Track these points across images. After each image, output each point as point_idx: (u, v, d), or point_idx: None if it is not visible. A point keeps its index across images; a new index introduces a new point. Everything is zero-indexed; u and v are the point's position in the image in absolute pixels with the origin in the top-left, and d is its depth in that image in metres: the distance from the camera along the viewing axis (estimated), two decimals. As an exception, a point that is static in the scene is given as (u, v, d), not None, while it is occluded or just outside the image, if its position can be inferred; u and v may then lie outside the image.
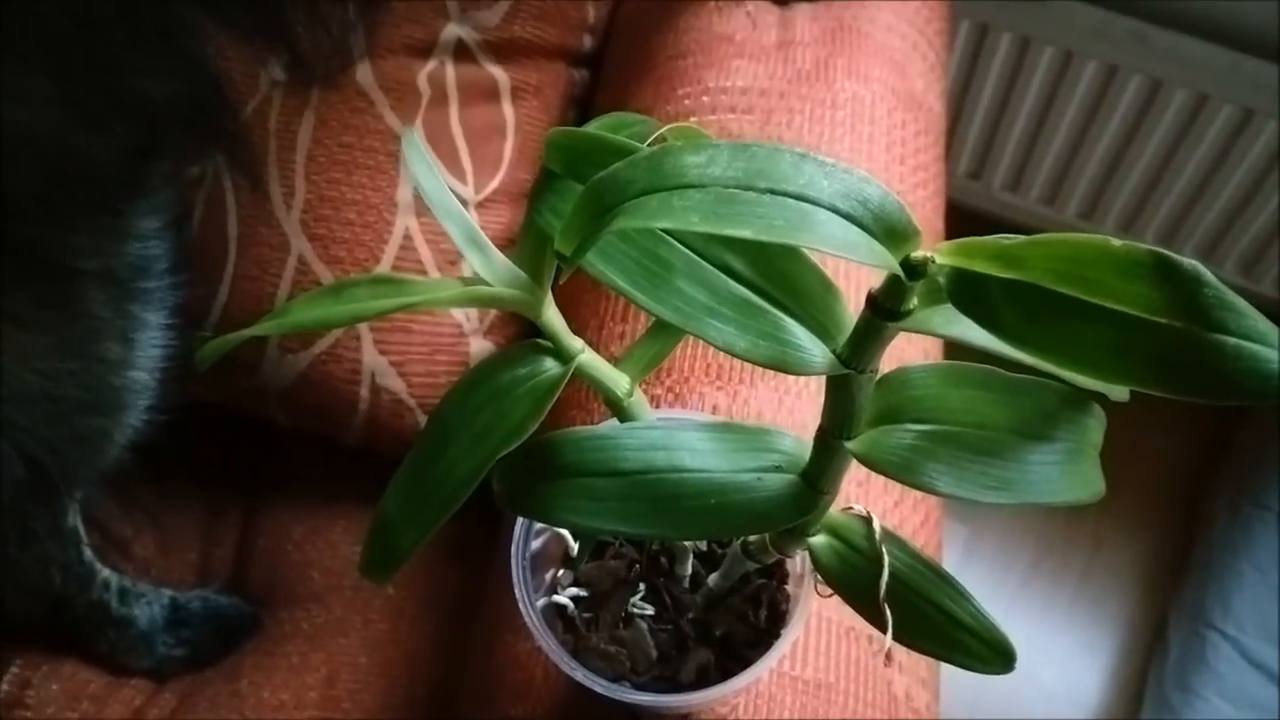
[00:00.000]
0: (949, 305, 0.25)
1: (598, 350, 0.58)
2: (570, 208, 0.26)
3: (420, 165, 0.30)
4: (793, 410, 0.55)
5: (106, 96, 0.37)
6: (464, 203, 0.68)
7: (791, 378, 0.54)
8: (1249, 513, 1.01)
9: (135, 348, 0.47)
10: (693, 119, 0.65)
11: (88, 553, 0.61)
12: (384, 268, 0.65)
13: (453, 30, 0.68)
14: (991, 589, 1.14)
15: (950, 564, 1.14)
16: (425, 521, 0.31)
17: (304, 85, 0.56)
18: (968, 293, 0.24)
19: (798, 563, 0.39)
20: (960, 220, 0.87)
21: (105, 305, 0.44)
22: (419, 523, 0.31)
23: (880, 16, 0.70)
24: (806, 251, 0.29)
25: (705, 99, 0.66)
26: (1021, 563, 1.15)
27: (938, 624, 0.33)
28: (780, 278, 0.29)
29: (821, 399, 0.29)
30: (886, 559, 0.33)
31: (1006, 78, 1.05)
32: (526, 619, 0.36)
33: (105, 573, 0.63)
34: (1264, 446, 1.07)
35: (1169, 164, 1.05)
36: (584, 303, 0.61)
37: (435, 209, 0.30)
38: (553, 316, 0.31)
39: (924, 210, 0.66)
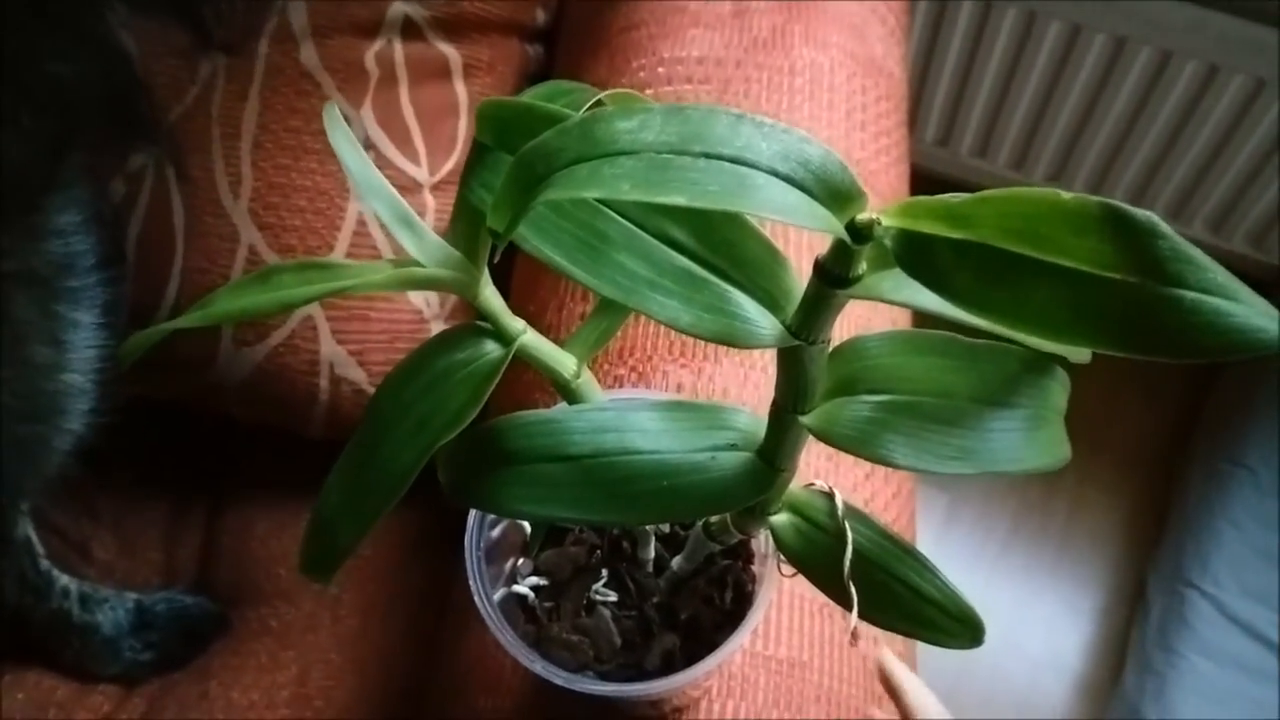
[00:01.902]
0: (899, 269, 0.24)
1: (560, 332, 0.57)
2: (501, 179, 0.25)
3: (342, 142, 0.28)
4: (758, 384, 0.54)
5: (12, 85, 0.35)
6: (418, 185, 0.66)
7: (756, 352, 0.53)
8: (1224, 470, 1.01)
9: (67, 350, 0.45)
10: (648, 90, 0.63)
11: (43, 562, 0.60)
12: (337, 254, 0.63)
13: (399, 8, 0.66)
14: (972, 555, 1.13)
15: (930, 532, 1.14)
16: (364, 516, 0.29)
17: (207, 52, 0.54)
18: (916, 255, 0.23)
19: (762, 542, 0.37)
20: (929, 188, 0.86)
21: (29, 307, 0.43)
22: (358, 518, 0.30)
23: (837, -20, 0.68)
24: (750, 218, 0.28)
25: (660, 70, 0.64)
26: (1001, 528, 1.15)
27: (904, 600, 0.32)
28: (724, 246, 0.27)
29: (785, 373, 0.28)
30: (850, 535, 0.32)
31: (970, 42, 1.04)
32: (483, 612, 0.35)
33: (64, 580, 0.62)
34: (1238, 404, 1.06)
35: (1135, 123, 1.04)
36: (543, 284, 0.59)
37: (361, 188, 0.29)
38: (490, 296, 0.30)
39: (888, 177, 0.65)
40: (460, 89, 0.69)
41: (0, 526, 0.55)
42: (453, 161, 0.67)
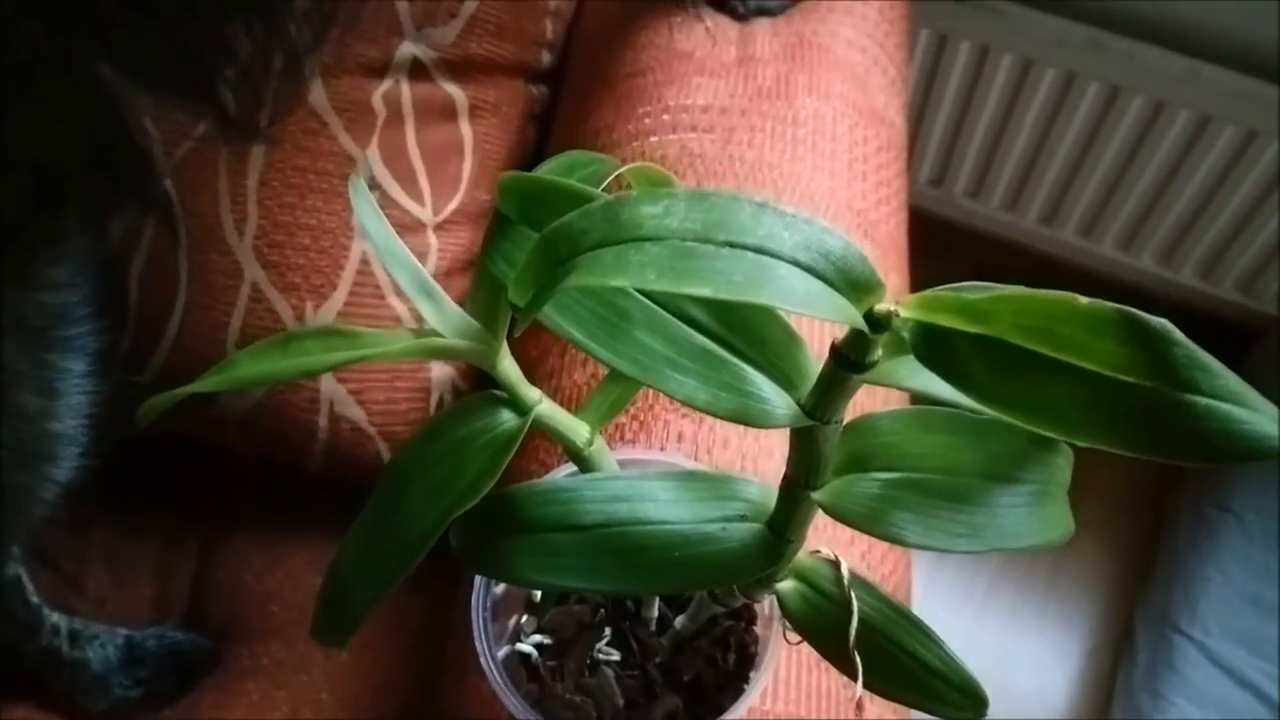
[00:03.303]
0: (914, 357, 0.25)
1: (563, 375, 0.58)
2: (524, 256, 0.25)
3: (365, 209, 0.29)
4: (758, 436, 0.54)
5: None
6: (422, 225, 0.66)
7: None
8: (1212, 515, 1.02)
9: (57, 398, 0.45)
10: (653, 138, 0.64)
11: (33, 599, 0.59)
12: (340, 294, 0.63)
13: (408, 49, 0.66)
14: (960, 596, 1.14)
15: (918, 573, 1.14)
16: (381, 581, 0.30)
17: (237, 142, 0.55)
18: (933, 347, 0.24)
19: (765, 604, 0.38)
20: (923, 228, 0.87)
21: (20, 356, 0.43)
22: (374, 582, 0.30)
23: (840, 31, 0.69)
24: (768, 300, 0.28)
25: (666, 117, 0.65)
26: (989, 569, 1.15)
27: (909, 670, 0.32)
28: (743, 327, 0.28)
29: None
30: (855, 605, 0.32)
31: (966, 85, 1.05)
32: (489, 674, 0.35)
33: (54, 617, 0.61)
34: (1225, 447, 1.07)
35: (1128, 169, 1.05)
36: (556, 338, 0.59)
37: (384, 257, 0.29)
38: (508, 367, 0.30)
39: (887, 226, 0.66)
40: (466, 129, 0.69)
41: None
42: (456, 201, 0.68)
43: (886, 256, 0.65)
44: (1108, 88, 0.99)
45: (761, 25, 0.70)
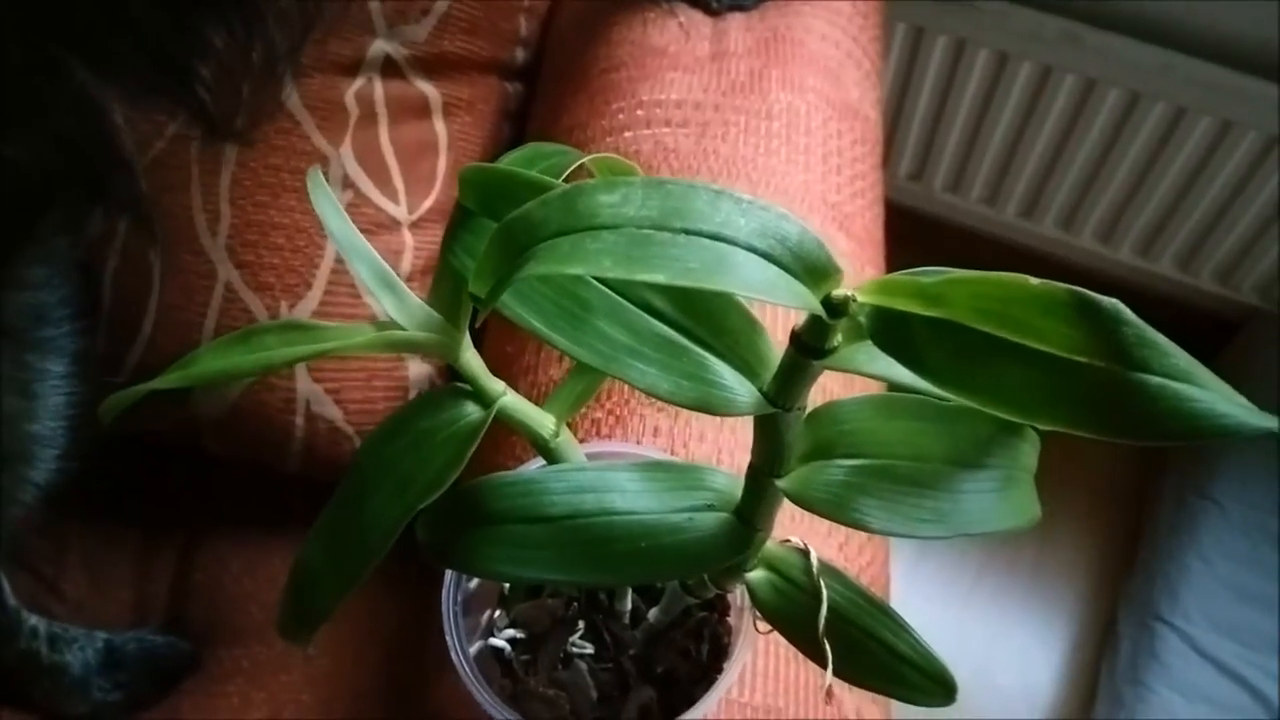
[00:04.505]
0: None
1: (539, 371, 0.57)
2: (483, 248, 0.25)
3: (325, 204, 0.28)
4: (734, 428, 0.54)
5: None
6: (397, 223, 0.66)
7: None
8: (1193, 504, 1.03)
9: (35, 399, 0.45)
10: (627, 133, 0.64)
11: (11, 601, 0.59)
12: (315, 293, 0.63)
13: (380, 46, 0.66)
14: (944, 590, 1.14)
15: (901, 567, 1.15)
16: (346, 576, 0.30)
17: (215, 143, 0.54)
18: (890, 332, 0.24)
19: (738, 595, 0.38)
20: (902, 222, 0.88)
21: None
22: (340, 578, 0.30)
23: (814, 26, 0.69)
24: (729, 288, 0.28)
25: (640, 112, 0.65)
26: (973, 563, 1.16)
27: (878, 657, 0.32)
28: (704, 315, 0.28)
29: (764, 419, 0.29)
30: (825, 593, 0.32)
31: (943, 80, 1.05)
32: (460, 670, 0.35)
33: (33, 620, 0.61)
34: (1206, 437, 1.08)
35: (1105, 161, 1.06)
36: (531, 334, 0.59)
37: (343, 250, 0.29)
38: (471, 359, 0.30)
39: (863, 219, 0.66)
40: (440, 127, 0.69)
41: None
42: (431, 199, 0.68)
43: (863, 250, 0.65)
44: (1083, 80, 0.99)
45: (735, 20, 0.70)
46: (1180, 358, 0.21)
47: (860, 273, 0.63)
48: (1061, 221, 1.14)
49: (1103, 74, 0.98)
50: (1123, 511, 1.16)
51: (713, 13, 0.70)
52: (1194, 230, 1.09)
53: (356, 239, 0.29)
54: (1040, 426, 0.22)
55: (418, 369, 0.66)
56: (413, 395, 0.66)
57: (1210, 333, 1.15)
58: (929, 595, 1.13)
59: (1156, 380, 0.21)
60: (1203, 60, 0.95)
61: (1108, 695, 0.97)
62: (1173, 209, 1.08)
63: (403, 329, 0.29)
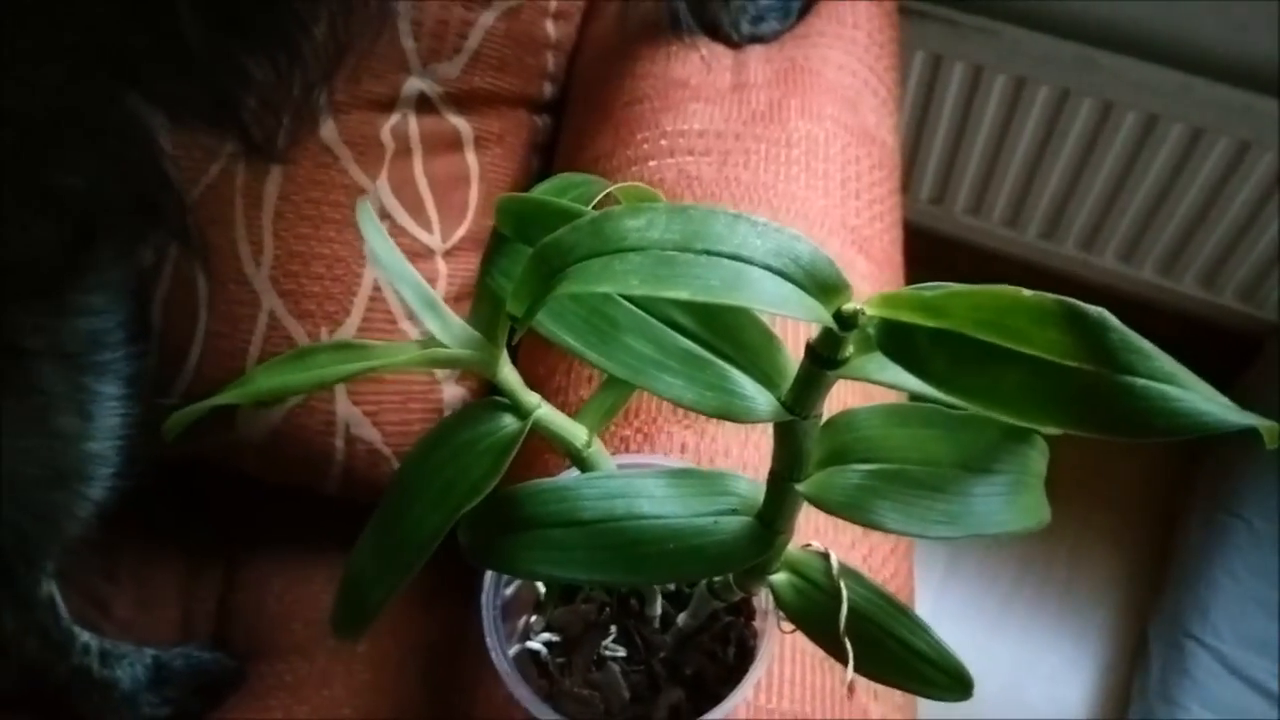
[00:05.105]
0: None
1: (570, 392, 0.60)
2: (519, 270, 0.27)
3: (373, 233, 0.31)
4: (758, 444, 0.56)
5: (28, 195, 0.37)
6: (431, 252, 0.69)
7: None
8: (1222, 521, 1.03)
9: (92, 419, 0.47)
10: (651, 162, 0.66)
11: (65, 619, 0.62)
12: (354, 319, 0.66)
13: (414, 83, 0.69)
14: (974, 609, 1.15)
15: (930, 586, 1.15)
16: (393, 577, 0.32)
17: (259, 164, 0.58)
18: (896, 342, 0.26)
19: (763, 599, 0.39)
20: (925, 245, 0.89)
21: (57, 380, 0.45)
22: (387, 579, 0.32)
23: (831, 56, 0.72)
24: (747, 304, 0.30)
25: (663, 143, 0.67)
26: (1003, 581, 1.16)
27: (897, 655, 0.34)
28: (724, 330, 0.30)
29: (786, 434, 0.30)
30: (845, 593, 0.34)
31: (962, 105, 1.07)
32: (500, 668, 0.37)
33: (85, 637, 0.64)
34: (1236, 456, 1.08)
35: (1125, 182, 1.07)
36: (562, 356, 0.62)
37: (389, 274, 0.31)
38: (509, 374, 0.32)
39: (882, 242, 0.68)
40: (472, 159, 0.72)
41: (24, 587, 0.57)
42: (464, 229, 0.70)
43: (882, 271, 0.67)
44: (1101, 103, 1.01)
45: (755, 52, 0.72)
46: (1164, 361, 0.23)
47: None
48: (1083, 242, 1.15)
49: (1120, 97, 0.99)
50: (1152, 530, 1.16)
51: (733, 45, 0.72)
52: (1215, 249, 1.10)
53: (403, 264, 0.31)
54: (1036, 427, 0.24)
55: (452, 391, 0.68)
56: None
57: (1235, 350, 1.15)
58: (958, 615, 1.13)
59: (1141, 382, 0.23)
60: (1219, 82, 0.96)
61: (1139, 711, 0.97)
62: (1194, 228, 1.09)
63: (446, 347, 0.31)
